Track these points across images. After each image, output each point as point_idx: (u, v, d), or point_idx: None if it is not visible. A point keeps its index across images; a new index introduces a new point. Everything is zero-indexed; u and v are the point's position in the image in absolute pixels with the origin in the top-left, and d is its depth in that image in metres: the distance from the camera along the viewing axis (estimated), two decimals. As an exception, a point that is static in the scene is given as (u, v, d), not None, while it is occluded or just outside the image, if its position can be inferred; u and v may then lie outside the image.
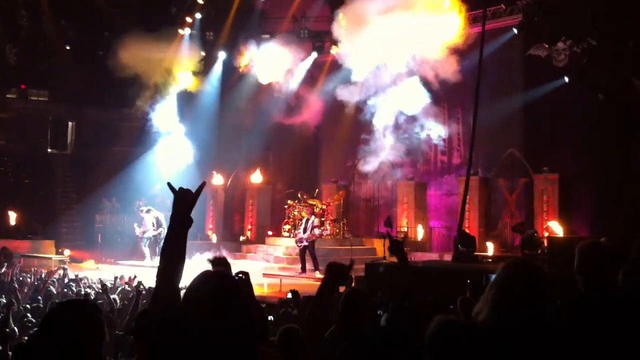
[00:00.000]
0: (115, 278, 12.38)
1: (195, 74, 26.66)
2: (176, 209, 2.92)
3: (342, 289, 13.34)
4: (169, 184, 3.02)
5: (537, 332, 2.88)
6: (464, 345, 2.89)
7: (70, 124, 29.17)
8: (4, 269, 14.23)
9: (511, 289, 2.99)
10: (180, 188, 2.97)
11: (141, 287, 11.81)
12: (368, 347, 4.23)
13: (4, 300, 9.16)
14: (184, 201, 2.92)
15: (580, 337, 3.19)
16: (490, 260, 15.71)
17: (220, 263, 4.53)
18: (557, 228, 17.55)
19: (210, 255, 4.72)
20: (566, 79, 18.27)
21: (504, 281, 3.04)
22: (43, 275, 13.90)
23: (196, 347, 2.45)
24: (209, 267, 4.54)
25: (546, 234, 17.48)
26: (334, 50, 23.81)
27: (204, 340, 2.45)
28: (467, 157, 17.30)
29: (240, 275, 4.84)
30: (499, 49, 19.53)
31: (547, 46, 18.38)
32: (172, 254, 2.82)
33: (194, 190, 2.98)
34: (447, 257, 17.01)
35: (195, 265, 3.59)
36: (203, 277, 2.62)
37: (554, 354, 2.89)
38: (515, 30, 19.51)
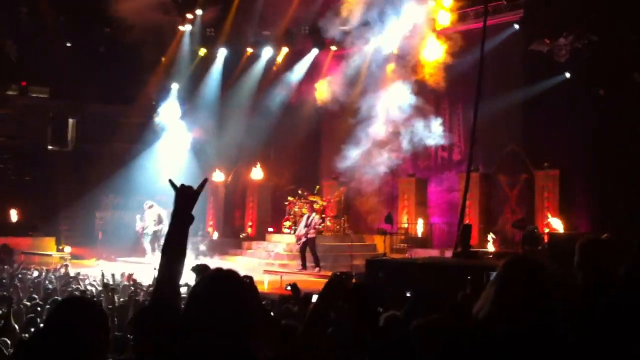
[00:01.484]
0: (112, 275, 12.36)
1: (196, 70, 26.69)
2: (177, 205, 2.91)
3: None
4: (170, 181, 3.01)
5: (538, 329, 2.86)
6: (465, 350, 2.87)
7: (70, 120, 29.16)
8: (5, 266, 14.27)
9: (512, 285, 2.98)
10: (182, 185, 2.96)
11: (139, 284, 11.84)
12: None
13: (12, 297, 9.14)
14: (185, 198, 2.91)
15: (582, 334, 3.18)
16: (490, 256, 15.68)
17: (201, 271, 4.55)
18: (557, 224, 17.53)
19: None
20: (567, 75, 18.24)
21: (504, 278, 3.03)
22: (44, 272, 13.92)
23: (196, 346, 2.43)
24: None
25: (547, 230, 17.47)
26: (333, 46, 23.90)
27: (204, 340, 2.43)
28: (468, 153, 17.27)
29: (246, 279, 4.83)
30: (500, 45, 19.49)
31: (548, 42, 18.36)
32: (172, 251, 2.81)
33: (195, 187, 2.96)
34: (448, 254, 16.98)
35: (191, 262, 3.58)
36: (212, 277, 2.59)
37: (555, 351, 2.88)
38: (516, 26, 19.50)
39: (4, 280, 12.45)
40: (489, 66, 17.45)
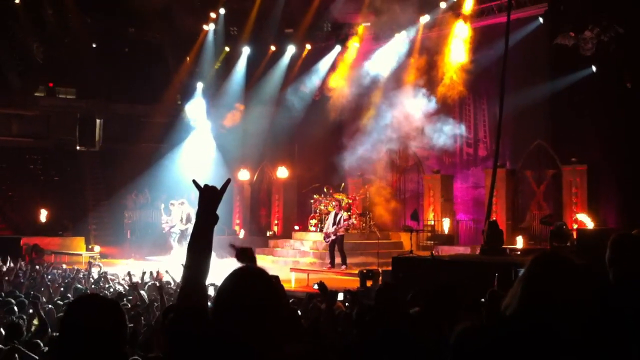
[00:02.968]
0: (143, 273, 12.45)
1: (220, 69, 26.83)
2: (202, 205, 2.90)
3: (369, 282, 13.29)
4: (194, 181, 3.03)
5: (566, 325, 2.85)
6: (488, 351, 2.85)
7: (98, 120, 29.47)
8: (39, 268, 14.46)
9: (540, 282, 2.96)
10: (206, 185, 2.95)
11: (169, 282, 11.93)
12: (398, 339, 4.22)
13: (39, 296, 9.28)
14: (209, 198, 2.91)
15: (611, 330, 3.15)
16: (518, 252, 15.58)
17: (245, 255, 4.49)
18: (586, 220, 17.35)
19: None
20: (593, 68, 18.05)
21: (533, 274, 3.01)
22: (74, 272, 14.08)
23: (223, 343, 2.45)
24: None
25: (575, 226, 17.30)
26: (356, 42, 23.86)
27: (232, 337, 2.45)
28: (494, 148, 17.15)
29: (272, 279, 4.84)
30: (525, 39, 19.32)
31: (573, 35, 18.17)
32: (198, 250, 2.82)
33: (219, 187, 2.97)
34: (475, 251, 16.89)
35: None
36: (240, 275, 2.59)
37: (584, 348, 2.86)
38: (541, 20, 19.33)
39: (35, 280, 12.61)
40: (513, 61, 17.31)
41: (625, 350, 3.13)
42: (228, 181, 3.03)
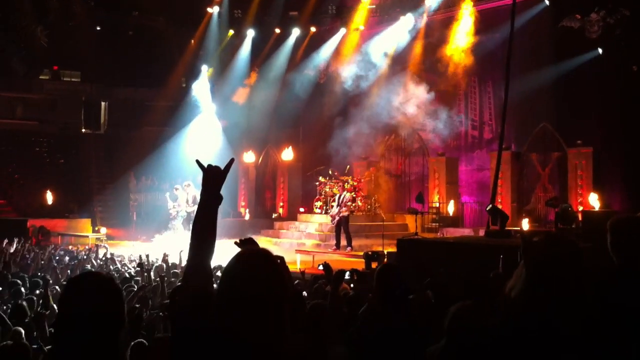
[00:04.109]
0: (147, 256, 12.49)
1: (224, 52, 26.77)
2: (205, 186, 2.91)
3: (374, 264, 13.34)
4: (197, 161, 3.02)
5: (570, 307, 2.88)
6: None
7: (103, 103, 29.48)
8: (48, 249, 14.54)
9: (544, 264, 2.99)
10: (209, 165, 2.95)
11: (175, 264, 12.00)
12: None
13: (48, 278, 9.36)
14: (213, 178, 2.91)
15: (615, 312, 3.18)
16: (519, 235, 15.58)
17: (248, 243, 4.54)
18: (594, 202, 17.34)
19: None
20: (599, 51, 17.96)
21: (535, 256, 3.04)
22: (82, 253, 14.17)
23: (229, 325, 2.46)
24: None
25: (580, 208, 17.31)
26: (361, 25, 23.79)
27: (237, 319, 2.46)
28: (499, 131, 17.12)
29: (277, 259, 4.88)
30: (530, 21, 19.23)
31: (579, 17, 18.08)
32: (202, 231, 2.82)
33: (222, 167, 2.96)
34: (480, 233, 16.92)
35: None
36: (245, 256, 2.61)
37: (587, 330, 2.89)
38: (547, 2, 19.22)
39: (42, 262, 12.71)
40: (519, 43, 17.24)
41: (625, 345, 3.14)
42: (232, 161, 3.01)
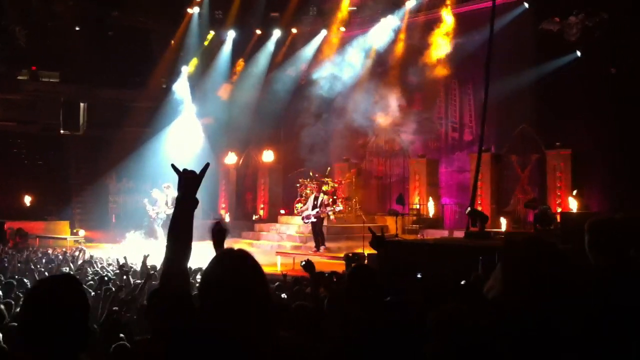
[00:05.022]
0: (125, 258, 12.38)
1: (205, 53, 26.67)
2: (181, 190, 2.91)
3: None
4: (172, 165, 3.03)
5: (547, 309, 2.89)
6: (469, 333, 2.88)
7: (82, 104, 29.22)
8: (26, 252, 14.39)
9: (522, 265, 3.00)
10: (185, 169, 2.96)
11: (155, 266, 11.91)
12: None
13: (25, 280, 9.26)
14: (188, 182, 2.91)
15: (593, 312, 3.20)
16: (502, 236, 15.69)
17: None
18: (572, 203, 17.48)
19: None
20: (578, 53, 18.12)
21: (514, 258, 3.05)
22: (60, 256, 14.03)
23: (209, 325, 2.47)
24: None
25: (559, 210, 17.44)
26: (341, 27, 23.83)
27: (216, 318, 2.47)
28: (479, 133, 17.22)
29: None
30: (510, 24, 19.35)
31: (558, 20, 18.22)
32: (179, 235, 2.82)
33: (198, 172, 2.96)
34: (459, 234, 16.99)
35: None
36: (221, 257, 2.65)
37: (566, 329, 2.90)
38: (526, 5, 19.36)
39: (20, 265, 12.56)
40: (499, 46, 17.34)
41: (608, 336, 3.16)
42: (207, 165, 3.03)
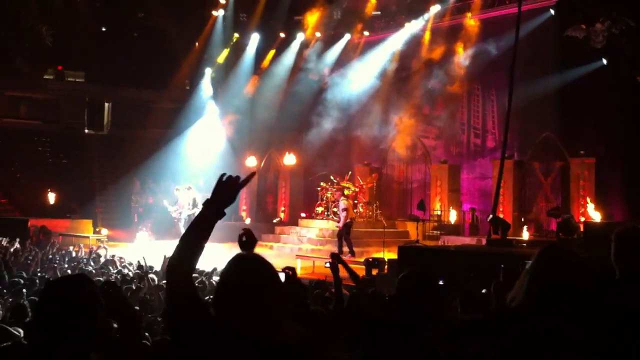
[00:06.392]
0: (143, 258, 12.42)
1: (228, 55, 26.80)
2: (215, 195, 2.83)
3: (375, 271, 13.20)
4: (223, 175, 2.88)
5: (571, 319, 2.86)
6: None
7: (106, 104, 29.49)
8: (50, 250, 14.51)
9: (546, 275, 2.98)
10: (228, 177, 2.85)
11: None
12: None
13: (48, 278, 9.34)
14: (226, 189, 2.84)
15: (616, 324, 3.16)
16: (524, 244, 15.58)
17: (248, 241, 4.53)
18: (594, 213, 17.31)
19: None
20: (604, 61, 17.96)
21: (538, 268, 3.03)
22: (82, 254, 14.14)
23: (225, 325, 2.53)
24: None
25: (582, 219, 17.27)
26: (365, 31, 23.84)
27: (234, 318, 2.54)
28: (502, 139, 17.12)
29: (288, 271, 4.88)
30: (535, 30, 19.22)
31: (584, 27, 18.07)
32: (194, 238, 2.78)
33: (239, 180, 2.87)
34: (482, 241, 16.88)
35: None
36: (236, 261, 2.68)
37: (588, 340, 2.88)
38: (552, 11, 19.22)
39: (42, 262, 12.67)
40: (523, 52, 17.24)
41: (626, 349, 3.13)
42: (252, 175, 2.97)
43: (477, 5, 20.97)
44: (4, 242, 15.09)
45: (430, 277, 4.10)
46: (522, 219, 19.28)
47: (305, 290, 5.00)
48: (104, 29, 28.18)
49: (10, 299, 7.97)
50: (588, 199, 18.04)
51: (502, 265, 7.79)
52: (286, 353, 2.55)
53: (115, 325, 5.96)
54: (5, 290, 8.74)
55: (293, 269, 5.07)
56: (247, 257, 2.73)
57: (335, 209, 19.09)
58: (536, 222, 19.29)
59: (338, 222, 18.67)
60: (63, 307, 2.57)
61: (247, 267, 2.65)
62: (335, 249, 18.72)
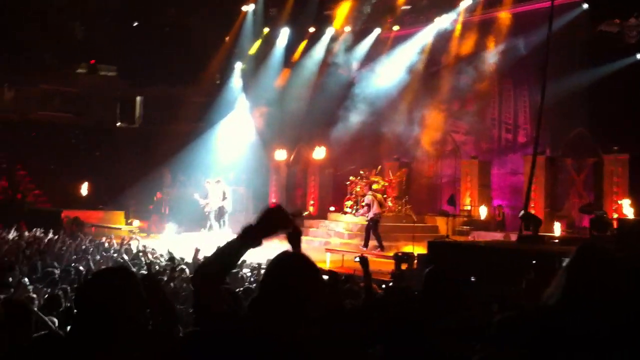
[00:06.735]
0: (169, 252, 12.57)
1: (258, 50, 26.89)
2: (259, 225, 2.81)
3: (404, 266, 13.22)
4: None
5: (607, 318, 2.86)
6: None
7: (138, 98, 29.79)
8: (79, 239, 14.73)
9: (582, 274, 2.98)
10: (278, 206, 2.90)
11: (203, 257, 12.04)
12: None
13: (81, 268, 9.49)
14: (271, 223, 2.84)
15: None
16: (556, 241, 15.44)
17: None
18: (627, 209, 17.08)
19: None
20: (638, 56, 17.70)
21: (574, 266, 3.03)
22: (115, 245, 14.33)
23: (262, 318, 2.59)
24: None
25: (615, 215, 17.06)
26: (395, 26, 23.75)
27: (271, 312, 2.59)
28: (533, 135, 16.96)
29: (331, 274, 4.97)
30: (568, 25, 18.98)
31: (618, 22, 17.83)
32: (224, 257, 2.83)
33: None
34: (512, 237, 16.77)
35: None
36: (280, 258, 2.73)
37: (625, 341, 2.86)
38: (585, 6, 18.98)
39: (76, 253, 12.86)
40: (555, 46, 17.04)
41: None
42: (301, 213, 3.07)
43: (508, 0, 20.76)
44: (38, 233, 15.35)
45: (453, 273, 4.12)
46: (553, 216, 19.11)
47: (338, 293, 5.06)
48: (135, 24, 28.43)
49: (45, 289, 8.11)
50: (622, 196, 17.81)
51: (533, 262, 7.74)
52: (307, 349, 2.58)
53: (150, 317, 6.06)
54: (40, 280, 8.91)
55: (335, 273, 5.13)
56: (291, 256, 2.77)
57: (363, 203, 19.13)
58: (568, 219, 19.09)
59: (364, 215, 18.73)
60: (107, 297, 2.63)
61: (290, 267, 2.69)
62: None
